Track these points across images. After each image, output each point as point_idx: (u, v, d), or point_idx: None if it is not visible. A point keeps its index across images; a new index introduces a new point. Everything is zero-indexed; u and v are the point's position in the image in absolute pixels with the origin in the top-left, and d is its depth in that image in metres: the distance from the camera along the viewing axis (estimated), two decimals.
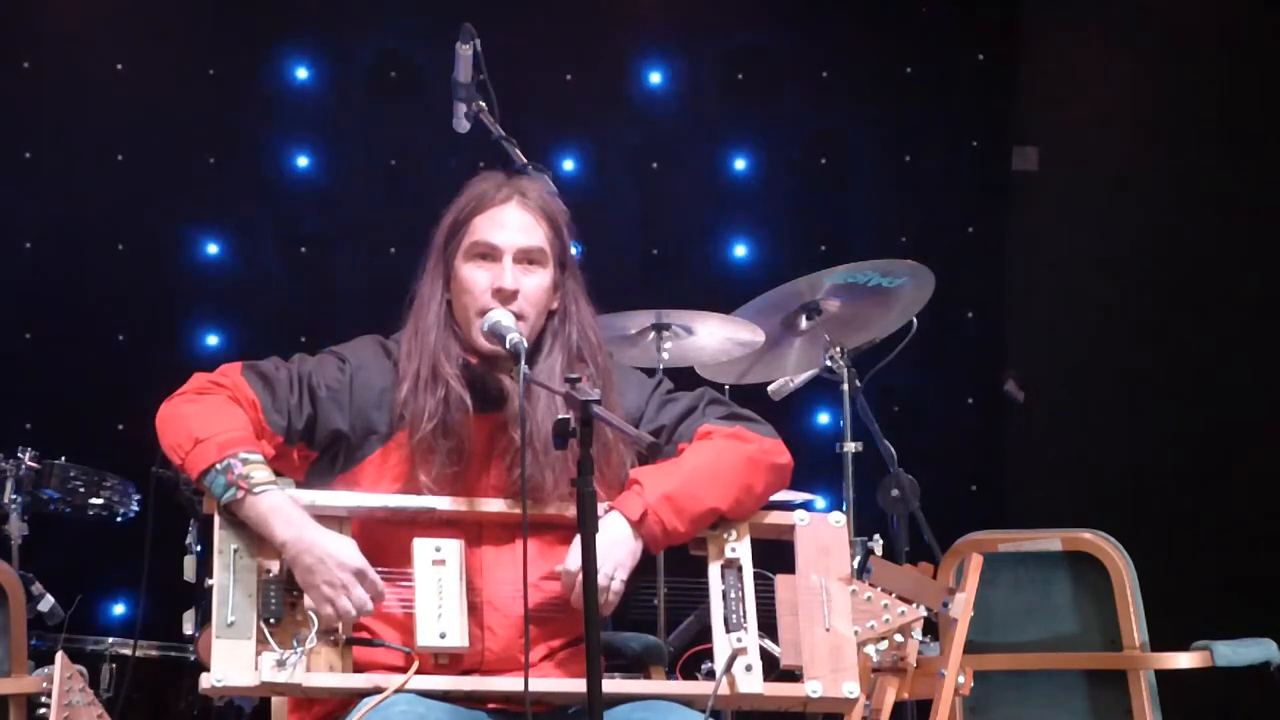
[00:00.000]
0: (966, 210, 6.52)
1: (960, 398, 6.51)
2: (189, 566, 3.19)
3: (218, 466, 2.88)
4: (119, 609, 5.61)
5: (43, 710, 3.90)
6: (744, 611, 2.97)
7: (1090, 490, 6.10)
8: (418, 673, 2.85)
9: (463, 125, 3.87)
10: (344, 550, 2.86)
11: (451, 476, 3.00)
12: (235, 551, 2.87)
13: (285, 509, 2.87)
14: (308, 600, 2.86)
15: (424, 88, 6.15)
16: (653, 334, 4.42)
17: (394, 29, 6.30)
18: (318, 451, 3.05)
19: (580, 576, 2.76)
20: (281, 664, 2.80)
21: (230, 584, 2.84)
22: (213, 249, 6.25)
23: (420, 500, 2.98)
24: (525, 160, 3.74)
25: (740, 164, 6.50)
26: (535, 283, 3.08)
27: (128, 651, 4.49)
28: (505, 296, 3.04)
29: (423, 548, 2.94)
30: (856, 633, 3.00)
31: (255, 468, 2.89)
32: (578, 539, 2.76)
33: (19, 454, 4.62)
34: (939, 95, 6.49)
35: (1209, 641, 3.65)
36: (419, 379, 3.03)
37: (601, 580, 2.88)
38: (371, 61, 6.35)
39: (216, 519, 2.89)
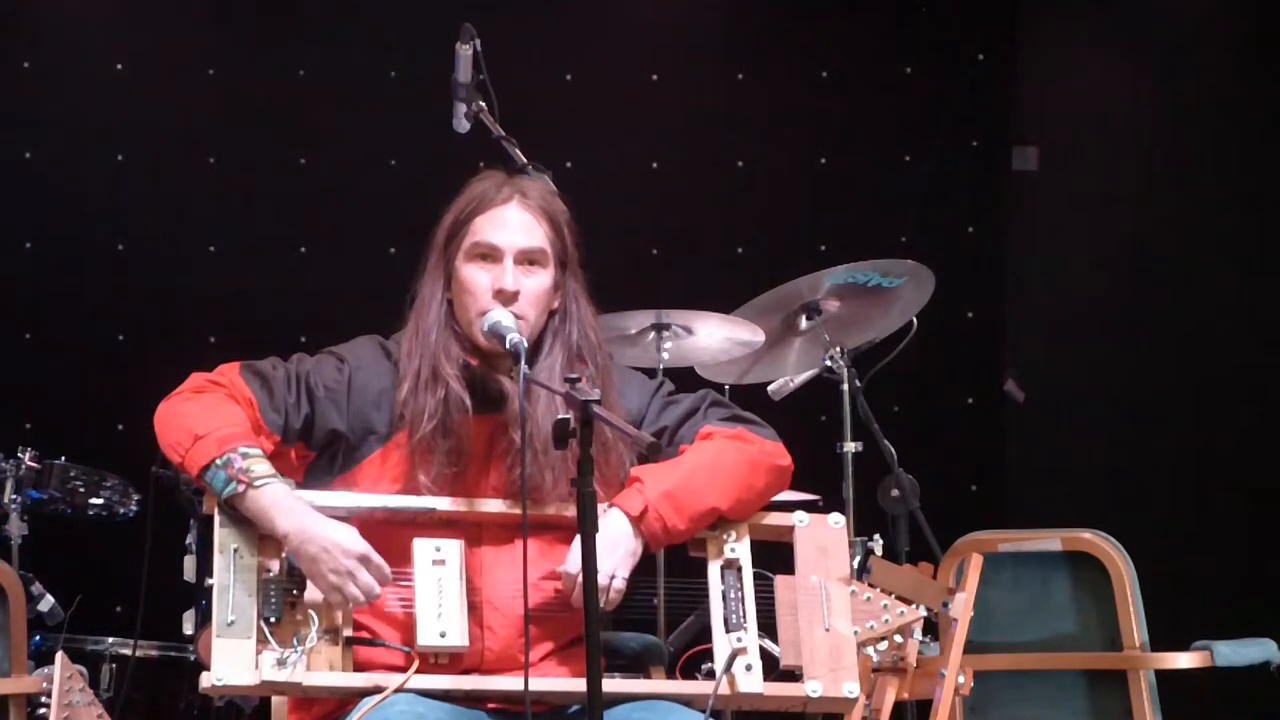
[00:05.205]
0: (966, 210, 6.51)
1: (960, 398, 6.50)
2: (189, 566, 3.18)
3: (218, 461, 2.88)
4: (119, 609, 5.60)
5: (43, 710, 3.90)
6: (744, 611, 2.97)
7: (1090, 490, 6.09)
8: (417, 672, 2.86)
9: (463, 125, 3.87)
10: (347, 537, 2.86)
11: (451, 477, 3.00)
12: (235, 551, 2.87)
13: (287, 501, 2.88)
14: (309, 596, 2.86)
15: (422, 87, 6.13)
16: (653, 334, 4.42)
17: (393, 28, 6.29)
18: (316, 451, 3.05)
19: (581, 577, 2.76)
20: (282, 663, 2.81)
21: (230, 583, 2.84)
22: (212, 249, 6.25)
23: (420, 500, 2.98)
24: (525, 160, 3.74)
25: (739, 163, 6.49)
26: (536, 283, 3.08)
27: (128, 651, 4.49)
28: (506, 298, 3.04)
29: (423, 548, 2.94)
30: (856, 633, 3.00)
31: (255, 461, 2.89)
32: (578, 539, 2.76)
33: (19, 454, 4.62)
34: (939, 95, 6.48)
35: (1209, 641, 3.65)
36: (419, 379, 3.03)
37: (602, 579, 2.89)
38: (369, 60, 6.34)
39: (217, 517, 2.89)
